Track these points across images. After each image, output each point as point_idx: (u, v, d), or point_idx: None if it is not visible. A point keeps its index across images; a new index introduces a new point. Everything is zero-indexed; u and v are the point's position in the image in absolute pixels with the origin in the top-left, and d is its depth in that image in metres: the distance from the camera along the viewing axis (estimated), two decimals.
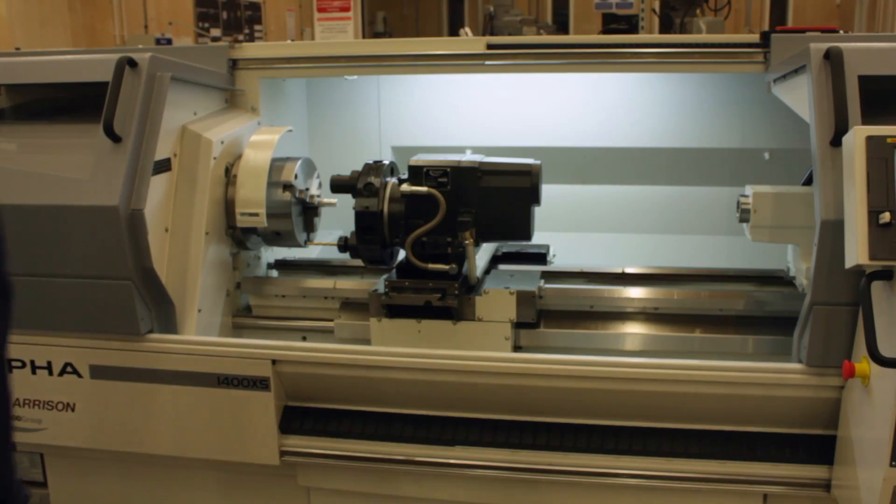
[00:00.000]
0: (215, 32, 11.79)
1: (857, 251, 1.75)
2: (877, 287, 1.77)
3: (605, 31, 7.91)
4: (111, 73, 2.21)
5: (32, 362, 2.35)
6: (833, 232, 1.86)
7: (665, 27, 7.38)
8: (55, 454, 2.53)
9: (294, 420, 2.29)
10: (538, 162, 2.40)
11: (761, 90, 2.54)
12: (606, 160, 2.74)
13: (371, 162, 2.45)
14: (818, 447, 2.11)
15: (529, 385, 2.15)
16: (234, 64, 2.67)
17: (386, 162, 2.45)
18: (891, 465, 1.75)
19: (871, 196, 1.77)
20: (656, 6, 7.58)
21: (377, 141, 3.23)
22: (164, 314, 2.30)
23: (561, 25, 10.19)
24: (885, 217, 1.74)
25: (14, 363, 2.36)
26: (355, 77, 3.11)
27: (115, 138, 2.16)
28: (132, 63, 2.22)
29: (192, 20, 11.16)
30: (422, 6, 14.31)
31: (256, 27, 13.15)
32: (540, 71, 2.65)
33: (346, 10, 7.96)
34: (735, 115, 2.79)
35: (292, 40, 12.22)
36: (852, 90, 1.93)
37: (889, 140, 1.79)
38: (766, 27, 9.42)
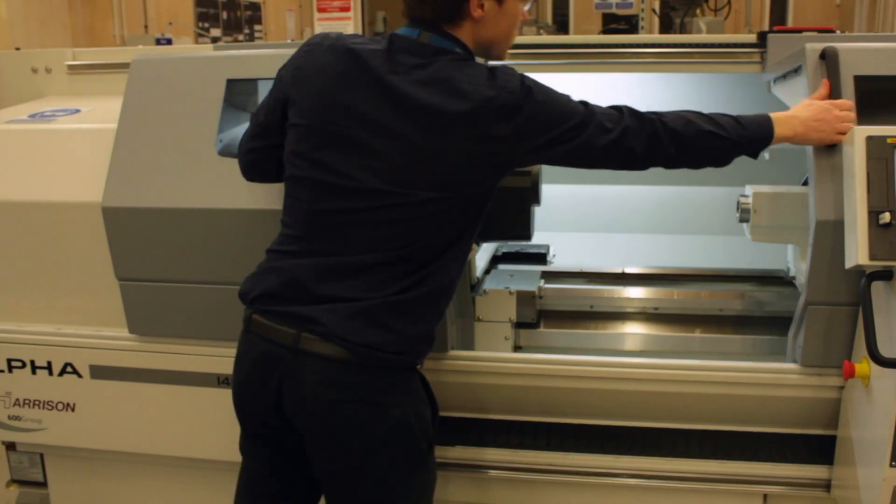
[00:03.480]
0: (215, 32, 11.79)
1: (857, 251, 1.76)
2: (877, 287, 1.77)
3: (605, 31, 7.90)
4: None
5: (32, 362, 2.35)
6: (829, 232, 1.86)
7: (665, 27, 7.37)
8: (55, 454, 2.53)
9: None
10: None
11: (761, 90, 2.54)
12: None
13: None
14: (818, 447, 2.11)
15: (529, 385, 2.15)
16: None
17: None
18: (891, 466, 1.75)
19: (871, 196, 1.77)
20: (656, 6, 7.56)
21: None
22: None
23: (561, 25, 10.18)
24: (886, 217, 1.74)
25: (14, 363, 2.37)
26: None
27: None
28: None
29: (192, 20, 11.15)
30: None
31: (256, 27, 13.15)
32: (540, 71, 2.65)
33: (346, 10, 7.97)
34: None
35: (292, 41, 12.21)
36: (848, 90, 1.93)
37: (889, 140, 1.79)
38: (765, 27, 9.41)
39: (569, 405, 2.20)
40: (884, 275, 1.77)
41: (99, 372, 2.33)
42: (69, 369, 2.34)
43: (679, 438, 2.18)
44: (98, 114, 2.53)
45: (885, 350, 1.72)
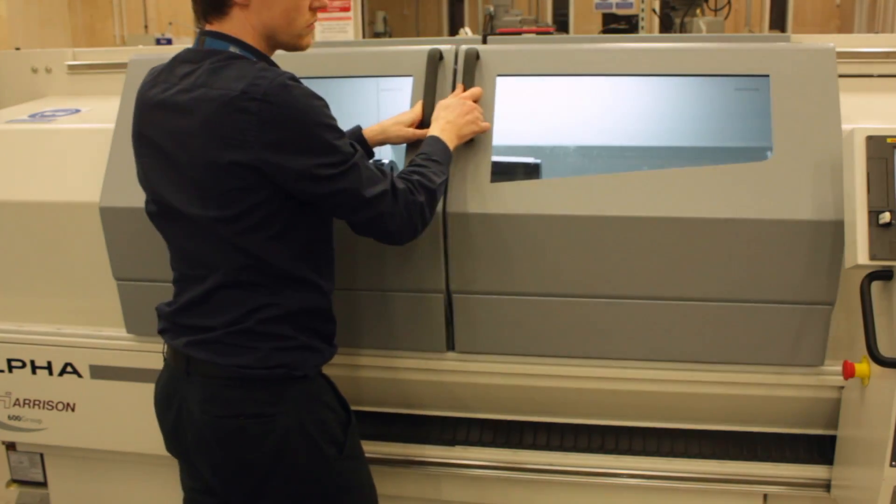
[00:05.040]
0: None
1: (857, 251, 1.76)
2: (877, 287, 1.77)
3: (605, 31, 7.90)
4: (421, 66, 2.10)
5: (32, 362, 2.35)
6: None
7: (665, 27, 7.37)
8: (55, 454, 2.53)
9: None
10: (538, 161, 2.40)
11: (763, 90, 2.54)
12: (606, 159, 2.73)
13: (371, 162, 2.44)
14: (818, 447, 2.11)
15: (529, 385, 2.15)
16: None
17: (385, 161, 2.45)
18: (891, 465, 1.75)
19: (871, 196, 1.77)
20: (656, 6, 7.56)
21: None
22: None
23: (561, 25, 10.18)
24: (886, 217, 1.74)
25: (14, 363, 2.37)
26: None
27: None
28: (441, 56, 2.12)
29: (193, 20, 11.15)
30: (422, 6, 14.32)
31: None
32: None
33: (347, 9, 7.95)
34: (736, 114, 2.79)
35: None
36: (490, 89, 2.06)
37: (889, 140, 1.79)
38: (766, 27, 9.41)
39: (569, 405, 2.20)
40: (884, 275, 1.77)
41: (99, 372, 2.33)
42: (69, 369, 2.34)
43: (679, 438, 2.18)
44: (98, 114, 2.53)
45: (885, 350, 1.72)
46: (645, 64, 2.12)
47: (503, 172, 2.30)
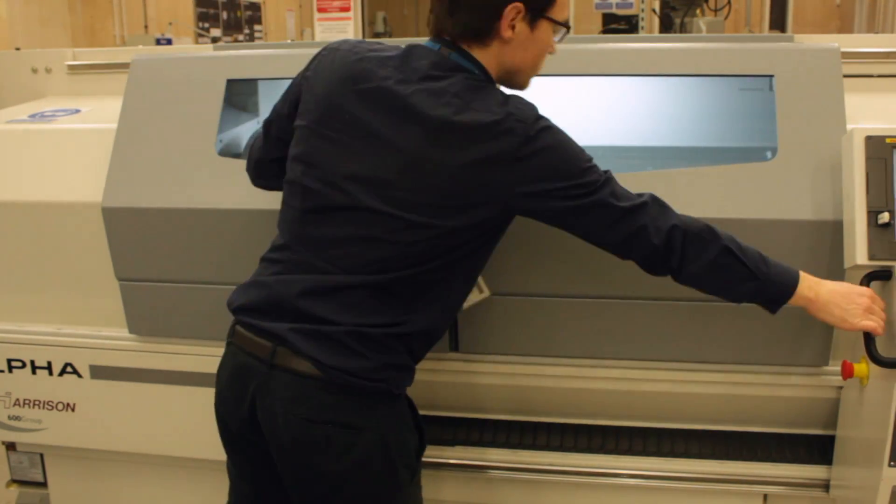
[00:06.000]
0: (215, 32, 11.80)
1: (856, 251, 1.76)
2: (875, 287, 1.77)
3: (605, 31, 7.91)
4: None
5: (32, 362, 2.35)
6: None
7: (665, 27, 7.38)
8: (55, 454, 2.53)
9: None
10: None
11: (765, 90, 2.54)
12: (606, 159, 2.73)
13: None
14: (818, 447, 2.11)
15: (533, 385, 2.16)
16: None
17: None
18: (889, 465, 1.75)
19: (871, 196, 1.77)
20: (656, 6, 7.56)
21: None
22: None
23: None
24: (885, 217, 1.74)
25: (14, 363, 2.37)
26: None
27: None
28: None
29: (192, 20, 11.16)
30: (422, 6, 14.33)
31: (256, 27, 13.16)
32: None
33: (347, 10, 7.96)
34: (740, 114, 2.79)
35: (292, 41, 12.23)
36: None
37: (888, 140, 1.79)
38: (765, 27, 9.41)
39: (569, 405, 2.21)
40: (883, 275, 1.77)
41: (99, 372, 2.33)
42: (69, 369, 2.34)
43: (679, 438, 2.18)
44: (98, 114, 2.53)
45: (884, 350, 1.72)
46: (650, 64, 2.12)
47: None
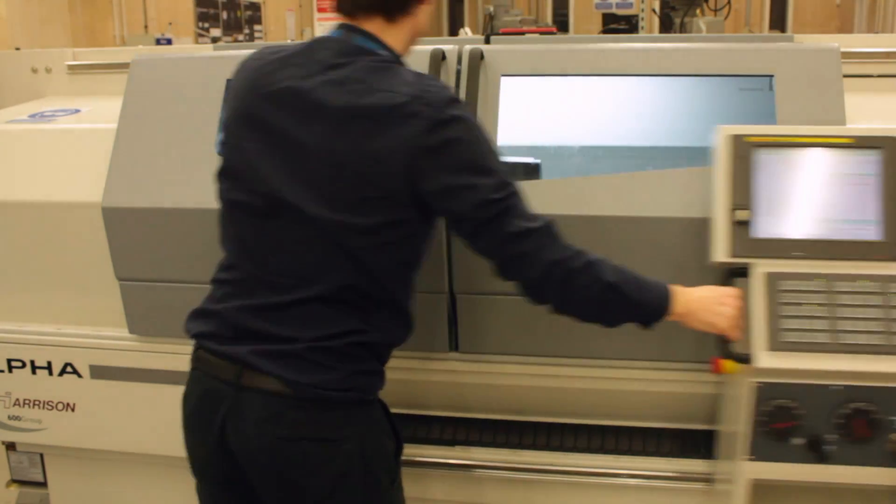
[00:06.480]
0: (215, 32, 11.80)
1: (718, 248, 1.80)
2: (741, 283, 1.80)
3: (606, 31, 7.91)
4: (423, 66, 2.05)
5: (32, 362, 2.35)
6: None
7: (665, 27, 7.38)
8: (55, 454, 2.53)
9: None
10: (538, 161, 2.40)
11: (764, 90, 2.54)
12: (609, 159, 2.73)
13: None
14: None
15: (532, 385, 2.16)
16: None
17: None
18: (746, 459, 1.81)
19: (732, 194, 1.81)
20: (656, 6, 7.57)
21: None
22: None
23: (561, 25, 10.20)
24: (744, 215, 1.78)
25: (14, 363, 2.37)
26: None
27: None
28: (443, 56, 2.12)
29: (192, 20, 11.16)
30: None
31: (256, 27, 13.17)
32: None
33: None
34: (740, 114, 2.79)
35: (292, 41, 12.21)
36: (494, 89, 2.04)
37: (747, 139, 1.83)
38: (765, 27, 9.42)
39: (570, 405, 2.20)
40: (742, 271, 1.79)
41: (99, 372, 2.33)
42: (69, 369, 2.34)
43: (679, 438, 2.18)
44: (98, 114, 2.53)
45: (740, 346, 1.75)
46: (651, 64, 2.12)
47: None
